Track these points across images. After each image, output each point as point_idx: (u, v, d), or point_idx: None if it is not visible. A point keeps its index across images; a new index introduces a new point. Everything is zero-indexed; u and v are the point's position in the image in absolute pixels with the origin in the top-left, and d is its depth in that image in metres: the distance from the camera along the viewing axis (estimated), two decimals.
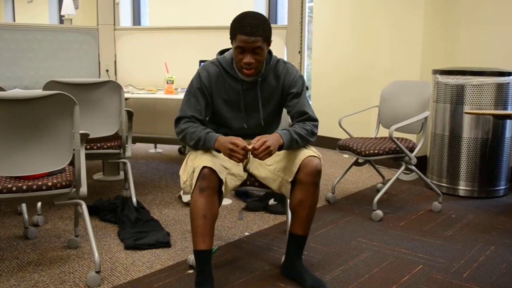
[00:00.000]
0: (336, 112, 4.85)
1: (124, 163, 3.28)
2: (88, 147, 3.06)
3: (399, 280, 2.25)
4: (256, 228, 2.92)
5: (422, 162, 3.96)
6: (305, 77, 5.02)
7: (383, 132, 3.53)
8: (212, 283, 2.03)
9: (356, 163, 3.50)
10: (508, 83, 3.49)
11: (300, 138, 2.13)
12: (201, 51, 3.99)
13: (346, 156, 4.98)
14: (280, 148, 2.08)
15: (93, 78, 3.31)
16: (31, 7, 9.88)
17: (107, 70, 4.28)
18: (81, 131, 2.14)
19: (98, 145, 3.11)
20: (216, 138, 2.08)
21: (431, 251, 2.59)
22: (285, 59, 3.86)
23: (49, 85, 2.84)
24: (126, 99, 3.32)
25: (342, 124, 3.48)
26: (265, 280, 2.23)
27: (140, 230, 2.76)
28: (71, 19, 6.36)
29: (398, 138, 3.24)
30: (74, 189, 2.20)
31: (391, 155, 3.15)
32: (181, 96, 3.40)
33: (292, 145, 2.12)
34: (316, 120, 2.23)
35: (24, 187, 2.07)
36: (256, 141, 2.03)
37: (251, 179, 2.27)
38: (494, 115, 3.36)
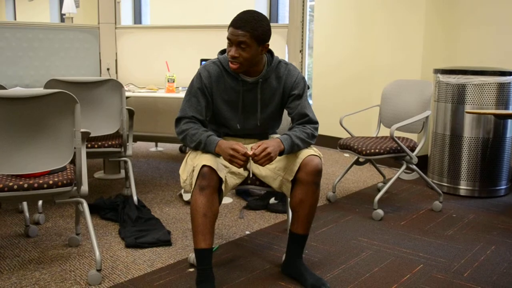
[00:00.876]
0: (337, 111, 4.86)
1: (125, 162, 3.29)
2: (89, 145, 3.06)
3: (399, 279, 2.25)
4: (256, 226, 2.92)
5: (423, 162, 3.96)
6: (306, 76, 5.04)
7: (384, 131, 3.53)
8: (212, 282, 2.03)
9: (357, 162, 3.50)
10: (510, 82, 3.49)
11: (301, 141, 2.13)
12: (202, 50, 3.99)
13: (347, 155, 4.98)
14: (281, 153, 2.09)
15: (94, 77, 3.31)
16: (32, 6, 9.89)
17: (108, 69, 4.28)
18: (82, 130, 2.14)
19: (99, 143, 3.11)
20: (217, 143, 2.08)
21: (431, 251, 2.59)
22: (286, 58, 3.87)
23: (50, 84, 2.84)
24: (127, 97, 3.32)
25: (343, 123, 3.47)
26: (266, 279, 2.23)
27: (141, 229, 2.77)
28: (72, 18, 6.36)
29: (399, 138, 3.24)
30: (75, 188, 2.20)
31: (392, 154, 3.15)
32: (182, 94, 3.40)
33: (293, 150, 2.13)
34: (316, 122, 2.23)
35: (25, 185, 2.07)
36: (257, 147, 2.03)
37: (252, 177, 2.27)
38: (495, 115, 3.36)
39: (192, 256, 2.35)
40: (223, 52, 2.28)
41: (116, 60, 4.34)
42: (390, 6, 4.41)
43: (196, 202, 2.00)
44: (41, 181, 2.10)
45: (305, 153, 2.12)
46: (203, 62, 2.47)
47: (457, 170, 3.62)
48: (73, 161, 2.17)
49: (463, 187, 3.62)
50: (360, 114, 3.81)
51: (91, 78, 2.99)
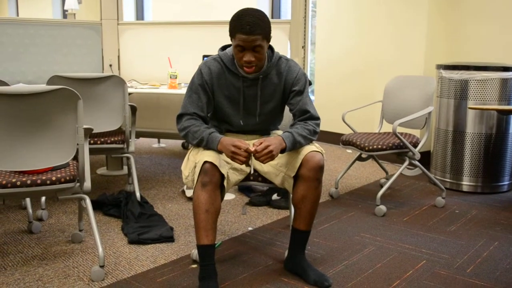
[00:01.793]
0: (340, 107, 4.85)
1: (128, 158, 3.29)
2: (91, 141, 3.06)
3: (402, 275, 2.25)
4: (259, 223, 2.93)
5: (426, 157, 3.96)
6: (308, 72, 5.02)
7: (387, 127, 3.52)
8: (215, 278, 2.03)
9: (359, 158, 3.50)
10: None
11: (303, 138, 2.13)
12: (205, 46, 3.98)
13: (349, 151, 4.97)
14: (282, 151, 2.08)
15: (96, 73, 3.31)
16: (34, 2, 9.88)
17: (110, 65, 4.28)
18: (84, 126, 2.14)
19: (102, 139, 3.11)
20: (219, 140, 2.08)
21: (434, 247, 2.59)
22: (289, 54, 3.86)
23: (52, 80, 2.84)
24: (129, 94, 3.32)
25: (346, 119, 3.47)
26: (269, 275, 2.24)
27: (143, 225, 2.77)
28: (74, 14, 6.35)
29: (401, 133, 3.23)
30: (78, 184, 2.21)
31: (395, 150, 3.15)
32: (184, 90, 3.40)
33: (295, 148, 2.13)
34: (318, 118, 2.22)
35: (28, 181, 2.08)
36: (259, 144, 2.03)
37: (254, 174, 2.27)
38: (498, 110, 3.35)
39: (195, 252, 2.36)
40: (223, 48, 2.27)
41: (118, 56, 4.34)
42: (392, 2, 4.39)
43: (198, 198, 2.01)
44: (44, 178, 2.11)
45: (307, 149, 2.12)
46: (205, 58, 2.47)
47: (460, 166, 3.61)
48: (76, 158, 2.17)
49: (466, 183, 3.62)
50: (362, 110, 3.80)
51: (94, 74, 2.99)
